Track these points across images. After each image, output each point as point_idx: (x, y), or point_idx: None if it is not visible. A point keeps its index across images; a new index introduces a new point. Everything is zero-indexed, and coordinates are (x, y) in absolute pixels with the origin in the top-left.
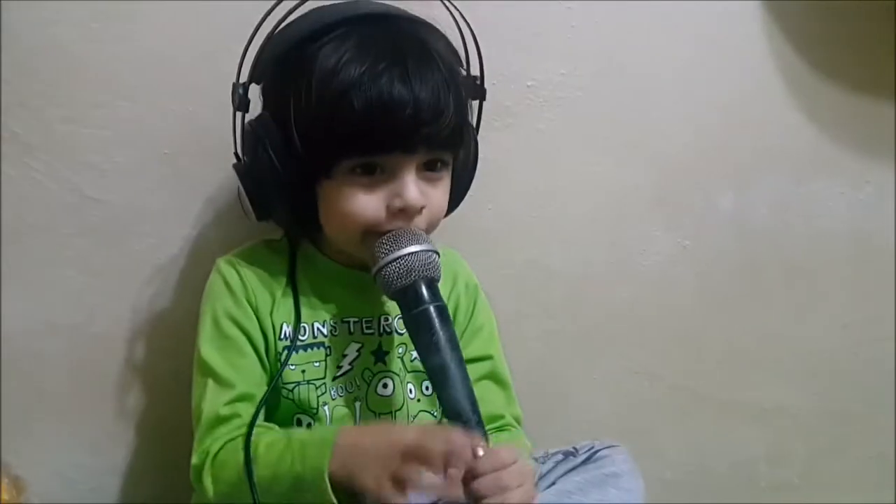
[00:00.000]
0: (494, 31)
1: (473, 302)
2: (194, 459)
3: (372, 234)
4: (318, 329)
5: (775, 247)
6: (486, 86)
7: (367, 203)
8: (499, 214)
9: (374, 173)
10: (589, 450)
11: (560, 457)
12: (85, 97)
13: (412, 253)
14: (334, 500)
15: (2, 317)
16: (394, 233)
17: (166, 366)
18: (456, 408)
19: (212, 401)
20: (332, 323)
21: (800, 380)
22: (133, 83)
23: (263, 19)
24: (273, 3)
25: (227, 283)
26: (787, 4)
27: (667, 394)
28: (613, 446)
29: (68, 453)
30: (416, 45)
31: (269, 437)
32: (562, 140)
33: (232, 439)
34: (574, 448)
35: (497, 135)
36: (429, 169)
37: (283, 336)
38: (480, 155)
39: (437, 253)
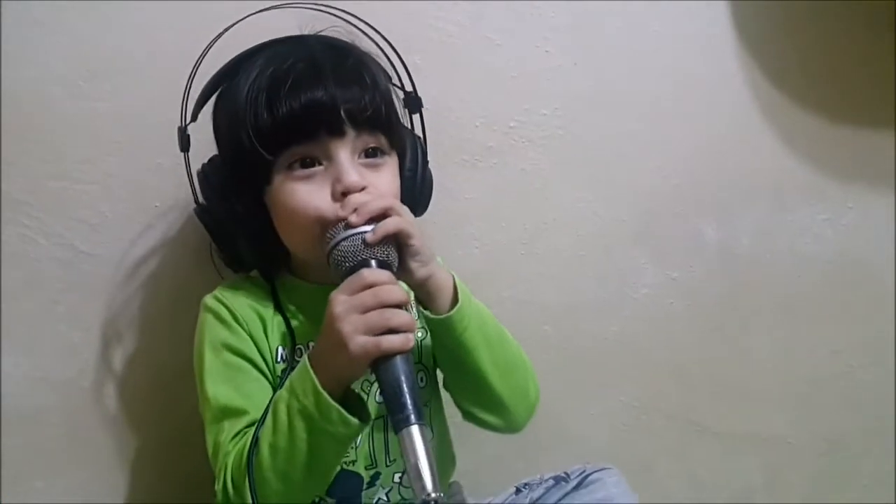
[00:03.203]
0: (476, 75)
1: None
2: (217, 486)
3: (326, 228)
4: (311, 348)
5: (763, 275)
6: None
7: (310, 194)
8: (486, 252)
9: (312, 167)
10: (580, 474)
11: (551, 482)
12: (74, 153)
13: (362, 232)
14: (337, 406)
15: None
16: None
17: (161, 418)
18: (394, 391)
19: (228, 432)
20: None
21: (794, 408)
22: (121, 139)
23: (199, 62)
24: (206, 46)
25: (217, 316)
26: (762, 38)
27: (663, 426)
28: (605, 469)
29: None
30: (328, 45)
31: (267, 418)
32: (546, 178)
33: (240, 450)
34: (566, 473)
35: (482, 174)
36: (368, 156)
37: (279, 359)
38: (466, 194)
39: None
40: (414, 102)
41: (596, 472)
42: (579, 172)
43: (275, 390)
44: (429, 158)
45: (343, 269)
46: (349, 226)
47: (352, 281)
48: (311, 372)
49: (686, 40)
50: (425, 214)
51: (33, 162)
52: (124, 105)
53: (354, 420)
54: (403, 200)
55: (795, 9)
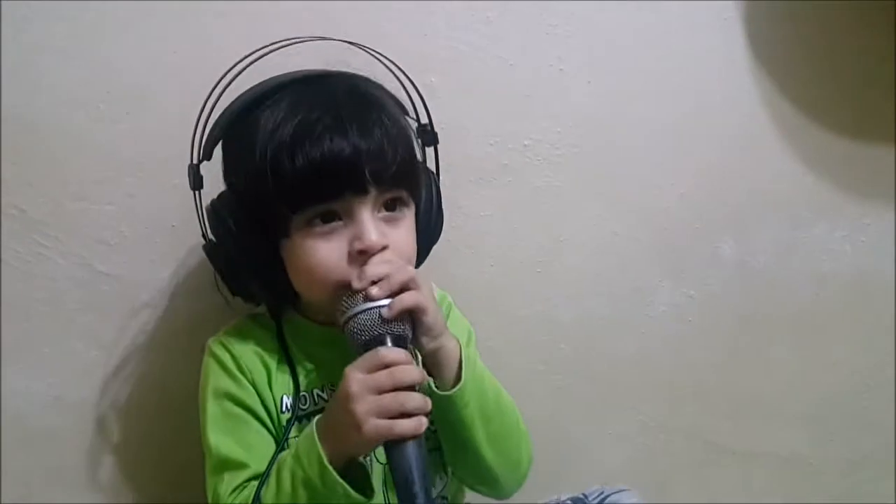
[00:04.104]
0: (491, 94)
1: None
2: None
3: (342, 288)
4: (318, 396)
5: (781, 293)
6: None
7: (327, 251)
8: (502, 271)
9: (332, 222)
10: (599, 495)
11: (569, 503)
12: (93, 175)
13: (379, 307)
14: (342, 482)
15: (10, 392)
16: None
17: (176, 440)
18: (404, 478)
19: (228, 484)
20: (330, 388)
21: (813, 427)
22: (139, 160)
23: (216, 98)
24: (223, 80)
25: (221, 364)
26: (777, 54)
27: (680, 445)
28: (624, 490)
29: None
30: (349, 91)
31: (270, 479)
32: (561, 196)
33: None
34: (584, 495)
35: (497, 192)
36: (388, 209)
37: (284, 409)
38: (481, 212)
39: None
40: (429, 137)
41: (615, 493)
42: (594, 190)
43: (277, 441)
44: (443, 177)
45: (359, 341)
46: (368, 297)
47: (369, 359)
48: (319, 444)
49: (701, 57)
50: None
51: (53, 183)
52: (143, 127)
53: (359, 497)
54: (418, 241)
55: (811, 24)
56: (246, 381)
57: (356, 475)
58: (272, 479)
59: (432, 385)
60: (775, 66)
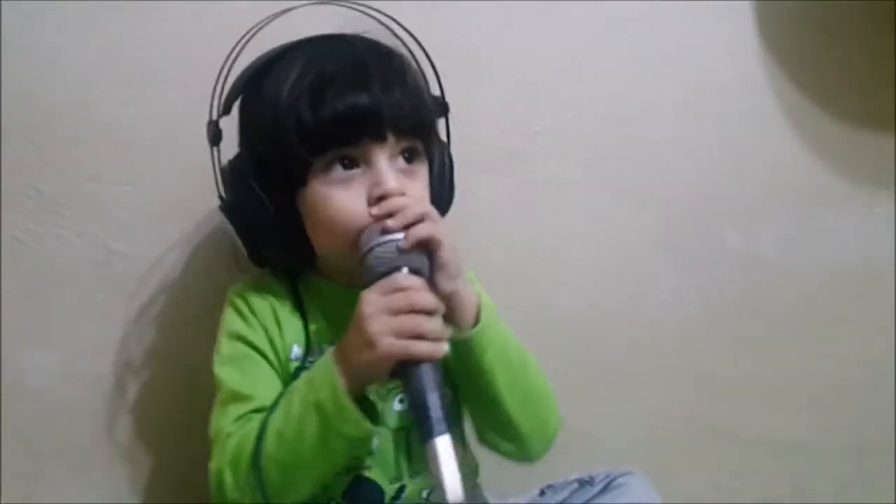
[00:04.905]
0: (501, 80)
1: None
2: (212, 464)
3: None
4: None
5: (787, 281)
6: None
7: (347, 198)
8: (507, 258)
9: (349, 167)
10: (606, 477)
11: (576, 485)
12: (108, 155)
13: (396, 239)
14: (352, 405)
15: (26, 369)
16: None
17: (190, 417)
18: (420, 400)
19: (232, 415)
20: None
21: (819, 415)
22: (153, 139)
23: (236, 56)
24: (241, 38)
25: (237, 311)
26: (786, 41)
27: (685, 433)
28: (631, 473)
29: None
30: (369, 47)
31: (279, 405)
32: (568, 183)
33: (245, 434)
34: (590, 476)
35: (505, 179)
36: (405, 161)
37: (294, 357)
38: (489, 199)
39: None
40: (441, 107)
41: (621, 476)
42: (601, 178)
43: (286, 387)
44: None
45: (375, 273)
46: (385, 230)
47: (384, 283)
48: (334, 367)
49: (709, 45)
50: (447, 217)
51: (69, 164)
52: (157, 108)
53: (367, 424)
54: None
55: (820, 11)
56: (258, 325)
57: (366, 410)
58: (281, 404)
59: (450, 332)
60: (785, 54)
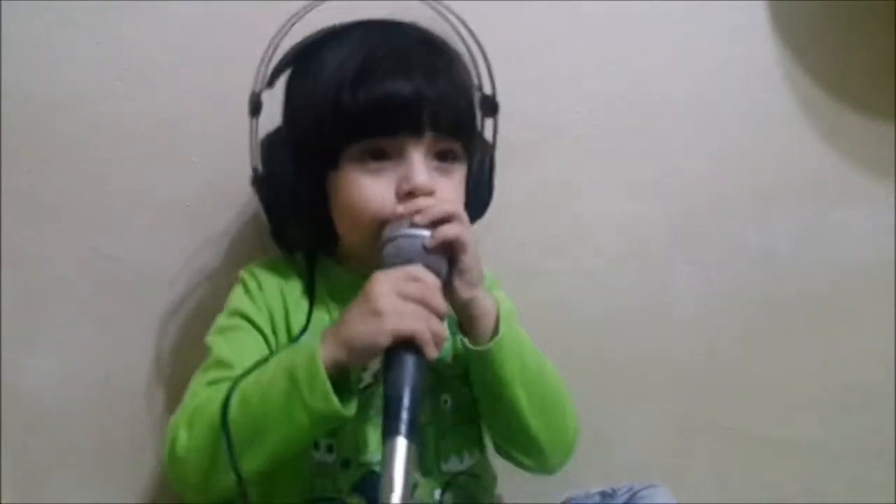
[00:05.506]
0: (510, 72)
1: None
2: (171, 419)
3: (384, 228)
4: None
5: (803, 277)
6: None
7: (375, 188)
8: (520, 256)
9: (383, 159)
10: (628, 491)
11: (598, 498)
12: (108, 158)
13: (422, 237)
14: (324, 376)
15: (22, 376)
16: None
17: None
18: (397, 393)
19: (207, 376)
20: None
21: (836, 415)
22: (155, 143)
23: (284, 33)
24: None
25: (245, 287)
26: (800, 32)
27: (700, 432)
28: (653, 486)
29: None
30: (420, 37)
31: (256, 372)
32: (580, 179)
33: (210, 396)
34: (613, 489)
35: (517, 174)
36: (440, 159)
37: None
38: (500, 194)
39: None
40: (491, 106)
41: (645, 489)
42: (614, 173)
43: None
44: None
45: (392, 265)
46: (412, 225)
47: (398, 271)
48: (322, 338)
49: (724, 38)
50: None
51: (68, 166)
52: (157, 109)
53: (335, 401)
54: (469, 203)
55: (837, 5)
56: (263, 304)
57: (343, 392)
58: (257, 370)
59: (466, 343)
60: (801, 46)
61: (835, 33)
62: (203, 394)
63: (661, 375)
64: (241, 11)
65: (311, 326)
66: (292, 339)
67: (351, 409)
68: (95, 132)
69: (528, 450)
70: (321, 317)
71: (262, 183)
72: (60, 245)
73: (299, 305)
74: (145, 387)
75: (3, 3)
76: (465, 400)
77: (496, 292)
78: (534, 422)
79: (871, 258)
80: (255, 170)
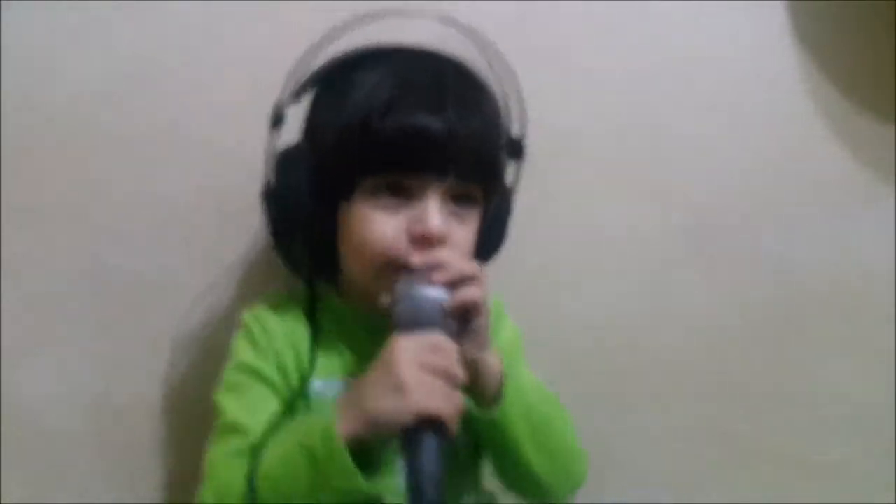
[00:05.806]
0: (524, 80)
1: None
2: (201, 495)
3: (390, 268)
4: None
5: (824, 288)
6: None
7: (386, 225)
8: (533, 267)
9: (399, 194)
10: None
11: None
12: (105, 163)
13: (442, 300)
14: (342, 449)
15: (20, 387)
16: (423, 272)
17: (187, 436)
18: (419, 478)
19: (226, 447)
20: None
21: (859, 432)
22: (154, 150)
23: (319, 47)
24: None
25: (249, 336)
26: (820, 39)
27: (717, 447)
28: None
29: None
30: (457, 71)
31: (273, 445)
32: (595, 189)
33: (234, 471)
34: None
35: (529, 182)
36: (457, 203)
37: (314, 392)
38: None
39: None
40: (517, 150)
41: None
42: (629, 180)
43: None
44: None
45: (409, 324)
46: (430, 281)
47: (423, 338)
48: (337, 410)
49: (742, 43)
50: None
51: (66, 172)
52: (158, 111)
53: (359, 478)
54: (481, 244)
55: (857, 8)
56: (270, 351)
57: (367, 465)
58: (276, 443)
59: (472, 407)
60: (821, 52)
61: (857, 40)
62: (224, 471)
63: (677, 388)
64: (240, 20)
65: (319, 367)
66: (303, 380)
67: (377, 482)
68: (96, 139)
69: (534, 492)
70: (330, 357)
71: (273, 197)
72: (59, 253)
73: (308, 345)
74: (145, 397)
75: (2, 5)
76: (464, 444)
77: (503, 322)
78: (540, 467)
79: (892, 265)
80: (268, 182)
